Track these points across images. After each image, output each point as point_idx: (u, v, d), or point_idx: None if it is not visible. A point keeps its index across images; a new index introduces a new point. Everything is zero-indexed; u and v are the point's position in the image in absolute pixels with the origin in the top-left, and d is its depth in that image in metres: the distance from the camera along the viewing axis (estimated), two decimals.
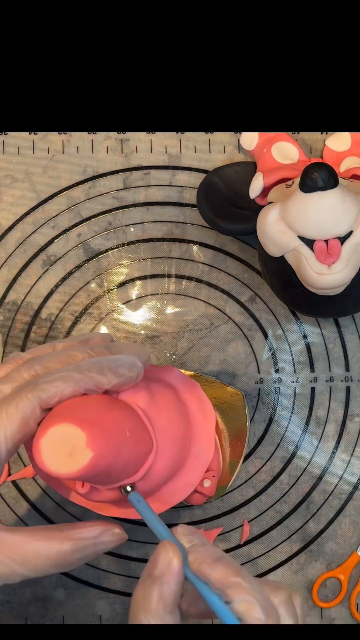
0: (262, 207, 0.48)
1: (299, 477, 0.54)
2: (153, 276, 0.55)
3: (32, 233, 0.55)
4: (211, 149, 0.55)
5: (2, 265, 0.55)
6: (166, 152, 0.55)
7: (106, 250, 0.55)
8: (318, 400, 0.54)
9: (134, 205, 0.55)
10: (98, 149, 0.55)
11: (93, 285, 0.55)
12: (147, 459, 0.38)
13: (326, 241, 0.45)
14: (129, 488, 0.38)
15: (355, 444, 0.54)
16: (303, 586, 0.53)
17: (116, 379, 0.37)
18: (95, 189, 0.55)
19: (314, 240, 0.45)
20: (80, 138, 0.55)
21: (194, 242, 0.55)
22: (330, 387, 0.54)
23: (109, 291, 0.55)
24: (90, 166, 0.55)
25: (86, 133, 0.55)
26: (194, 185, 0.55)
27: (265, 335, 0.54)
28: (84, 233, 0.55)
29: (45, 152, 0.55)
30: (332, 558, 0.54)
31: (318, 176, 0.44)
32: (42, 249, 0.55)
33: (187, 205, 0.55)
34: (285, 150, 0.53)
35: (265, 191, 0.51)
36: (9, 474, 0.54)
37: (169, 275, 0.55)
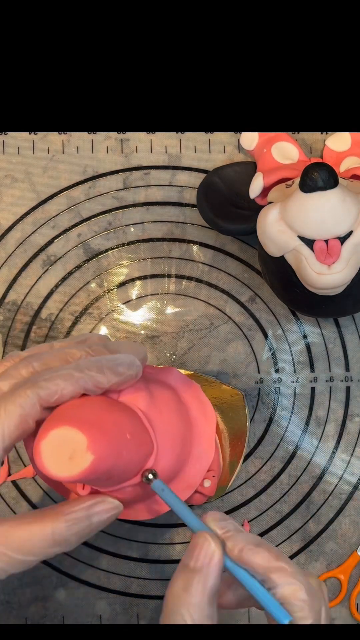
0: (262, 207, 0.48)
1: (299, 477, 0.54)
2: (153, 276, 0.55)
3: (32, 233, 0.55)
4: (211, 149, 0.55)
5: (2, 265, 0.55)
6: (166, 152, 0.55)
7: (106, 250, 0.55)
8: (318, 400, 0.54)
9: (134, 205, 0.55)
10: (98, 149, 0.55)
11: (93, 285, 0.55)
12: (148, 461, 0.38)
13: (326, 241, 0.45)
14: (150, 475, 0.37)
15: (355, 444, 0.54)
16: None
17: (115, 377, 0.37)
18: (95, 189, 0.55)
19: (314, 240, 0.45)
20: (80, 138, 0.55)
21: (194, 242, 0.55)
22: (330, 387, 0.54)
23: (109, 291, 0.55)
24: (90, 166, 0.55)
25: (86, 133, 0.55)
26: (194, 185, 0.55)
27: (265, 335, 0.54)
28: (84, 233, 0.55)
29: (45, 152, 0.55)
30: (332, 558, 0.54)
31: (318, 176, 0.44)
32: (42, 249, 0.55)
33: (187, 205, 0.55)
34: (285, 150, 0.53)
35: (265, 191, 0.51)
36: (9, 474, 0.54)
37: (169, 275, 0.55)
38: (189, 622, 0.33)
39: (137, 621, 0.53)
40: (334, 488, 0.54)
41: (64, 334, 0.55)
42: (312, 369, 0.54)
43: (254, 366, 0.54)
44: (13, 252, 0.55)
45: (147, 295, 0.55)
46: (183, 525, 0.53)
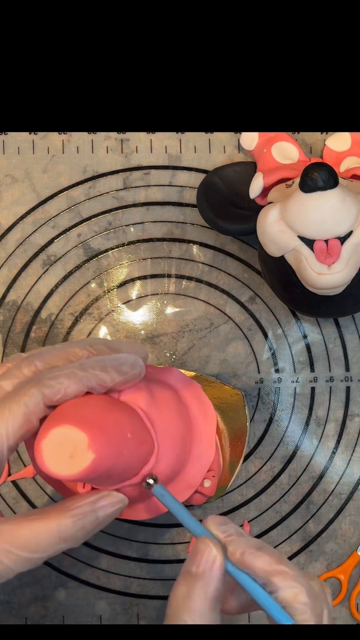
0: (262, 207, 0.48)
1: (299, 477, 0.54)
2: (153, 276, 0.55)
3: (32, 233, 0.55)
4: (211, 149, 0.55)
5: (2, 265, 0.55)
6: (166, 152, 0.55)
7: (106, 250, 0.55)
8: (318, 400, 0.54)
9: (134, 205, 0.55)
10: (98, 149, 0.55)
11: (93, 285, 0.55)
12: (148, 461, 0.38)
13: (326, 241, 0.45)
14: (150, 481, 0.37)
15: (355, 444, 0.54)
16: None
17: (119, 376, 0.37)
18: (95, 189, 0.55)
19: (314, 240, 0.45)
20: (80, 138, 0.55)
21: (194, 242, 0.55)
22: (330, 387, 0.54)
23: (109, 291, 0.55)
24: (90, 166, 0.55)
25: (86, 133, 0.55)
26: (194, 185, 0.55)
27: (265, 335, 0.54)
28: (84, 233, 0.55)
29: (45, 152, 0.55)
30: (332, 558, 0.54)
31: (318, 176, 0.44)
32: (42, 249, 0.55)
33: (187, 205, 0.55)
34: (285, 150, 0.53)
35: (265, 191, 0.51)
36: (9, 474, 0.54)
37: (169, 275, 0.55)
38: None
39: (137, 621, 0.53)
40: (334, 488, 0.54)
41: (64, 334, 0.55)
42: (312, 369, 0.54)
43: (254, 366, 0.54)
44: (13, 252, 0.55)
45: (147, 295, 0.55)
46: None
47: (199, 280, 0.55)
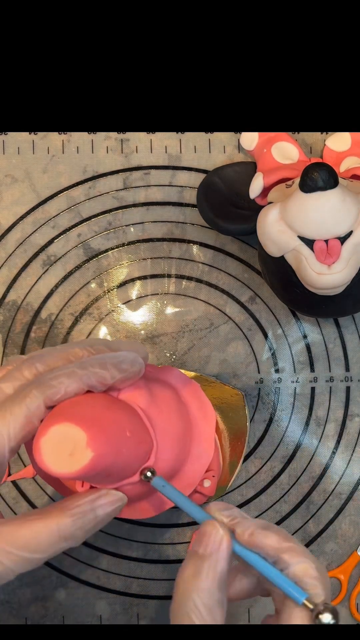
0: (262, 207, 0.48)
1: (299, 477, 0.54)
2: (153, 276, 0.55)
3: (32, 233, 0.55)
4: (211, 149, 0.55)
5: (2, 265, 0.55)
6: (166, 152, 0.55)
7: (106, 250, 0.55)
8: (318, 400, 0.54)
9: (134, 205, 0.55)
10: (98, 149, 0.55)
11: (93, 285, 0.55)
12: (147, 459, 0.38)
13: (326, 241, 0.45)
14: (149, 473, 0.38)
15: (355, 444, 0.54)
16: None
17: (119, 374, 0.37)
18: (95, 189, 0.55)
19: (314, 240, 0.45)
20: (80, 138, 0.55)
21: (194, 242, 0.55)
22: (330, 387, 0.54)
23: (109, 291, 0.55)
24: (90, 166, 0.55)
25: (86, 133, 0.55)
26: (194, 185, 0.55)
27: (265, 335, 0.54)
28: (84, 233, 0.55)
29: (45, 152, 0.55)
30: (332, 558, 0.54)
31: (318, 176, 0.44)
32: (42, 249, 0.55)
33: (187, 205, 0.55)
34: (285, 150, 0.53)
35: (265, 191, 0.51)
36: (9, 474, 0.54)
37: (169, 275, 0.55)
38: (200, 608, 0.34)
39: (137, 621, 0.53)
40: (334, 488, 0.54)
41: (64, 334, 0.55)
42: (312, 369, 0.54)
43: (254, 366, 0.54)
44: (13, 252, 0.55)
45: (147, 295, 0.55)
46: (183, 525, 0.53)
47: (199, 280, 0.55)
